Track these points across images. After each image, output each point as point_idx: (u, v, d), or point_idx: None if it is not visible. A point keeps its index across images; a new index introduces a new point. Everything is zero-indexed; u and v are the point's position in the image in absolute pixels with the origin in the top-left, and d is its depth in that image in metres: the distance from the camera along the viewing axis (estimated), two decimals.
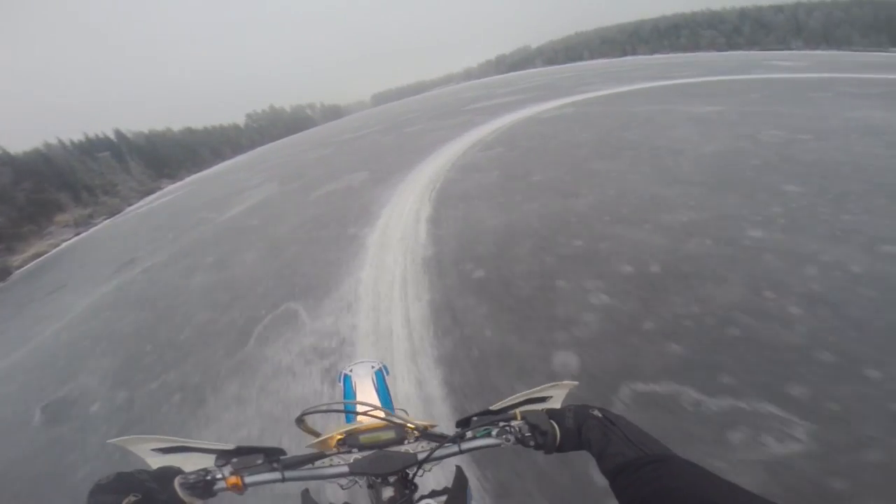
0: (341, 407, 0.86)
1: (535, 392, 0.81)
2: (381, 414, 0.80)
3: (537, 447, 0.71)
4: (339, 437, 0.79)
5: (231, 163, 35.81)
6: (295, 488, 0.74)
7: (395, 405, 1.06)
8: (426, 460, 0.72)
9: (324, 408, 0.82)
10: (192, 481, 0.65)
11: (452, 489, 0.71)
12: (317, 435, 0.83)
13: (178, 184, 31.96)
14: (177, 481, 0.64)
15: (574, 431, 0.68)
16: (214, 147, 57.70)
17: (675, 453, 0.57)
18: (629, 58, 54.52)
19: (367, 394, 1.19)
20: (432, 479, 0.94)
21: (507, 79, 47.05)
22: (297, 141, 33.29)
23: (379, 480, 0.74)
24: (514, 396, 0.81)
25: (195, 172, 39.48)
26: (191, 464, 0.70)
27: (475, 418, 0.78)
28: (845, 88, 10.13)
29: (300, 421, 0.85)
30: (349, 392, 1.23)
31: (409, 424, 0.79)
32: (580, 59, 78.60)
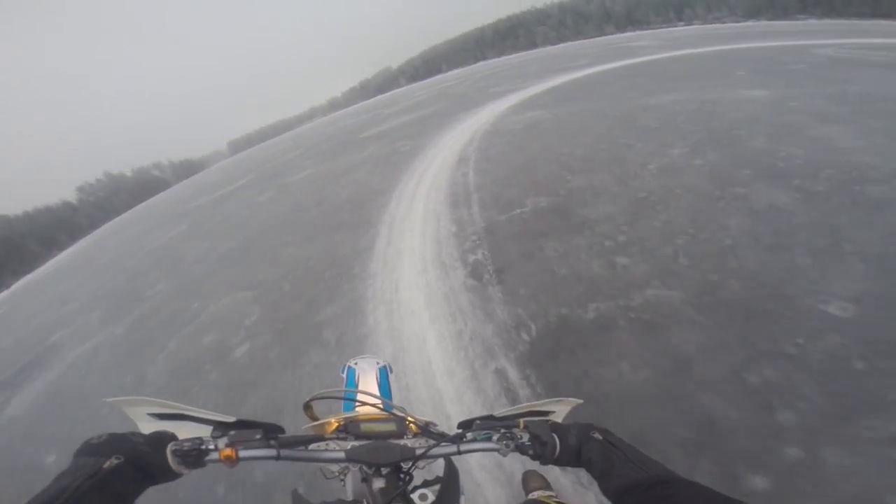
0: (351, 395, 0.93)
1: (539, 405, 0.85)
2: (385, 407, 0.83)
3: (535, 456, 0.73)
4: (337, 423, 0.82)
5: (71, 252, 26.68)
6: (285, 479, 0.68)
7: (396, 404, 0.97)
8: (424, 456, 0.74)
9: (333, 394, 0.89)
10: (185, 449, 0.64)
11: (444, 479, 0.76)
12: (317, 420, 0.85)
13: (4, 294, 22.31)
14: (169, 447, 0.63)
15: (574, 448, 0.70)
16: (44, 236, 45.45)
17: (676, 473, 0.59)
18: (482, 63, 56.63)
19: (369, 387, 1.23)
20: (419, 475, 0.80)
21: (369, 105, 44.91)
22: (144, 214, 26.08)
23: (372, 471, 0.74)
24: (518, 406, 0.86)
25: (25, 274, 28.87)
26: (186, 432, 0.69)
27: (478, 422, 0.83)
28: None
29: (307, 406, 0.86)
30: (351, 383, 1.28)
31: (409, 419, 0.81)
32: (439, 71, 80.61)
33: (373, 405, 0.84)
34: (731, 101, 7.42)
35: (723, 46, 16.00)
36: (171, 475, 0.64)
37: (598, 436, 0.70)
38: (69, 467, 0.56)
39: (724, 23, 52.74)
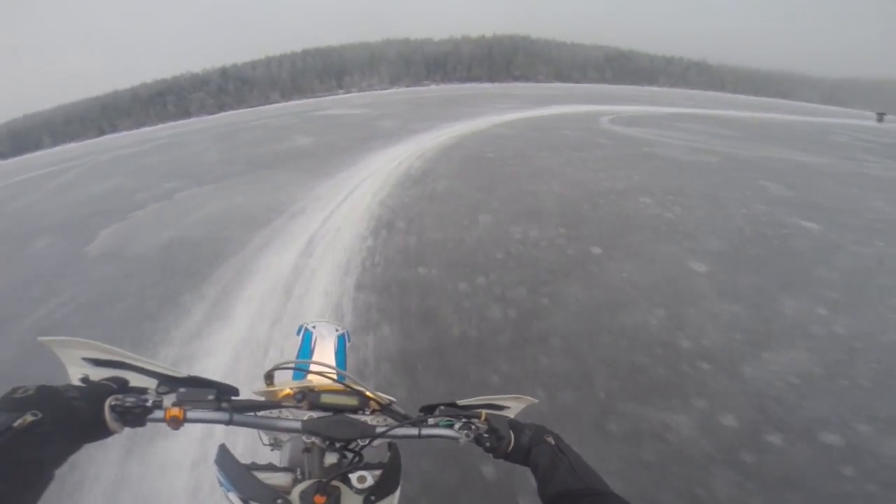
0: (316, 367, 0.81)
1: (497, 399, 0.84)
2: (354, 384, 0.78)
3: (489, 450, 0.72)
4: (291, 391, 0.79)
5: None
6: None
7: (355, 377, 0.91)
8: (383, 435, 0.71)
9: (300, 364, 0.88)
10: (126, 405, 0.56)
11: (387, 465, 0.70)
12: (273, 386, 0.80)
13: None
14: (108, 402, 0.55)
15: (525, 448, 0.71)
16: None
17: (614, 491, 0.60)
18: (107, 137, 39.70)
19: (325, 355, 1.20)
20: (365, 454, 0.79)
21: None
22: None
23: (325, 444, 0.70)
24: (477, 398, 0.83)
25: None
26: (129, 383, 0.63)
27: (441, 407, 0.79)
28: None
29: (269, 376, 0.79)
30: (306, 348, 1.23)
31: (371, 395, 0.78)
32: (40, 146, 55.57)
33: (334, 379, 0.79)
34: None
35: None
36: (103, 433, 0.56)
37: (550, 440, 0.72)
38: None
39: (375, 90, 59.33)
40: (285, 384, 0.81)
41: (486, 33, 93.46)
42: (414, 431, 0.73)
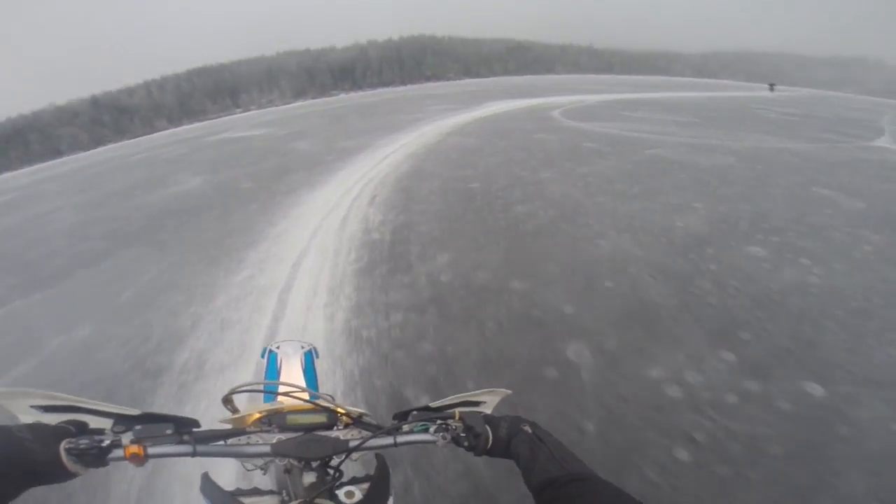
0: (275, 388, 0.84)
1: (471, 396, 0.83)
2: (319, 401, 0.76)
3: (469, 448, 0.72)
4: (259, 415, 0.77)
5: None
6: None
7: (322, 391, 0.95)
8: (358, 448, 0.69)
9: (258, 387, 0.84)
10: (82, 447, 0.56)
11: (375, 477, 0.70)
12: (237, 413, 0.79)
13: None
14: (63, 445, 0.55)
15: (505, 441, 0.70)
16: None
17: (596, 473, 0.61)
18: None
19: (293, 375, 1.16)
20: (350, 468, 0.76)
21: None
22: None
23: (301, 464, 0.69)
24: (450, 398, 0.82)
25: None
26: (83, 425, 0.63)
27: (414, 412, 0.79)
28: None
29: (227, 400, 0.78)
30: (273, 370, 1.19)
31: (341, 410, 0.76)
32: None
33: (298, 398, 0.76)
34: None
35: None
36: (64, 475, 0.56)
37: (527, 429, 0.71)
38: None
39: (276, 105, 54.27)
40: (252, 409, 0.80)
41: (393, 36, 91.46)
42: (389, 440, 0.72)
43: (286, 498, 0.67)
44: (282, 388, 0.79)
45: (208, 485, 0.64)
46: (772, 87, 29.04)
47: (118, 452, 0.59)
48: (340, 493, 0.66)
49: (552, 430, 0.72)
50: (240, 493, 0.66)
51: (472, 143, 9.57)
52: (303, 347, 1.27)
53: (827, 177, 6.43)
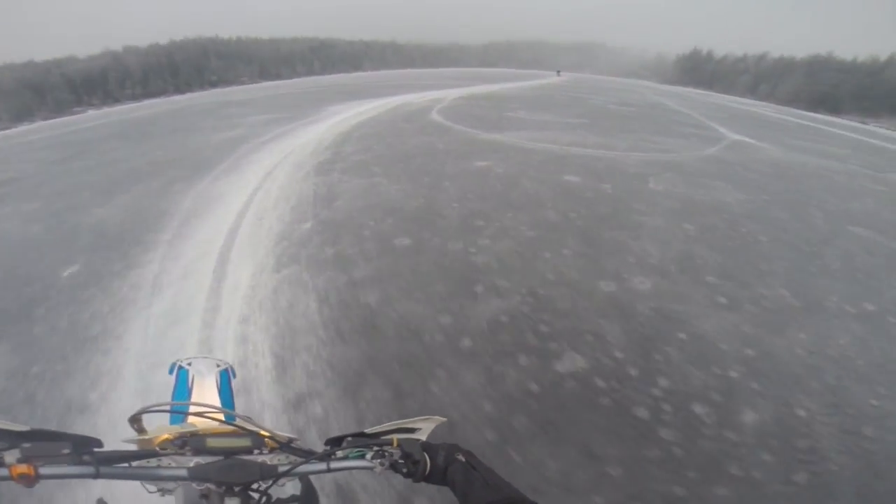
0: (187, 408, 0.79)
1: (407, 422, 0.81)
2: (242, 423, 0.71)
3: (407, 475, 0.72)
4: (169, 437, 0.72)
5: None
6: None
7: (239, 412, 0.90)
8: (288, 473, 0.68)
9: (167, 407, 0.75)
10: None
11: (302, 498, 0.73)
12: (145, 433, 0.74)
13: None
14: None
15: (442, 468, 0.71)
16: None
17: (526, 496, 0.64)
18: None
19: (207, 394, 1.11)
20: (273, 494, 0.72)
21: None
22: None
23: (222, 490, 0.66)
24: (387, 424, 0.80)
25: None
26: None
27: (349, 438, 0.77)
28: None
29: (135, 419, 0.73)
30: (183, 388, 1.14)
31: (266, 433, 0.72)
32: None
33: (215, 419, 0.72)
34: None
35: None
36: None
37: (461, 457, 0.72)
38: None
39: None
40: (161, 430, 0.74)
41: (160, 40, 73.79)
42: (322, 466, 0.71)
43: None
44: (198, 409, 0.72)
45: None
46: (559, 73, 37.38)
47: (2, 472, 0.55)
48: None
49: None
50: None
51: (391, 202, 5.73)
52: (218, 366, 1.20)
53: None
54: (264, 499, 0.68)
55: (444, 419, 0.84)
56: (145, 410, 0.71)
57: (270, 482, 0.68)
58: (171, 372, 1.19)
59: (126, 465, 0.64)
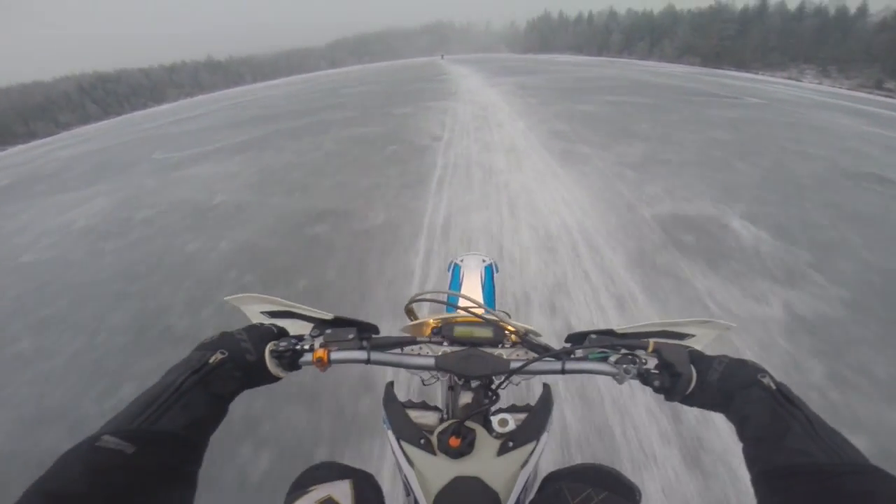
0: (452, 298, 0.76)
1: (675, 325, 0.65)
2: (481, 311, 0.69)
3: (660, 389, 0.55)
4: (435, 324, 0.75)
5: None
6: None
7: (499, 307, 0.94)
8: (518, 371, 0.60)
9: (429, 296, 0.79)
10: (281, 349, 0.60)
11: (534, 409, 0.60)
12: (416, 320, 0.78)
13: None
14: (268, 348, 0.59)
15: (720, 390, 0.51)
16: None
17: (874, 465, 0.41)
18: None
19: (472, 287, 1.16)
20: (511, 393, 0.74)
21: None
22: None
23: (461, 382, 0.65)
24: (645, 324, 0.65)
25: None
26: (292, 330, 0.67)
27: (593, 336, 0.65)
28: None
29: (408, 309, 0.80)
30: (456, 282, 1.20)
31: (508, 326, 0.69)
32: None
33: (468, 309, 0.69)
34: None
35: None
36: (269, 378, 0.59)
37: (769, 384, 0.49)
38: (180, 361, 0.53)
39: None
40: (428, 318, 0.77)
41: None
42: (556, 366, 0.62)
43: (445, 416, 0.64)
44: (460, 302, 0.74)
45: (389, 395, 0.64)
46: (442, 56, 41.25)
47: (308, 357, 0.61)
48: (494, 419, 0.59)
49: None
50: (410, 405, 0.63)
51: None
52: (483, 261, 1.25)
53: None
54: (495, 398, 0.61)
55: (733, 325, 0.63)
56: (414, 300, 0.74)
57: (503, 379, 0.62)
58: (448, 269, 1.27)
59: (394, 351, 0.66)
